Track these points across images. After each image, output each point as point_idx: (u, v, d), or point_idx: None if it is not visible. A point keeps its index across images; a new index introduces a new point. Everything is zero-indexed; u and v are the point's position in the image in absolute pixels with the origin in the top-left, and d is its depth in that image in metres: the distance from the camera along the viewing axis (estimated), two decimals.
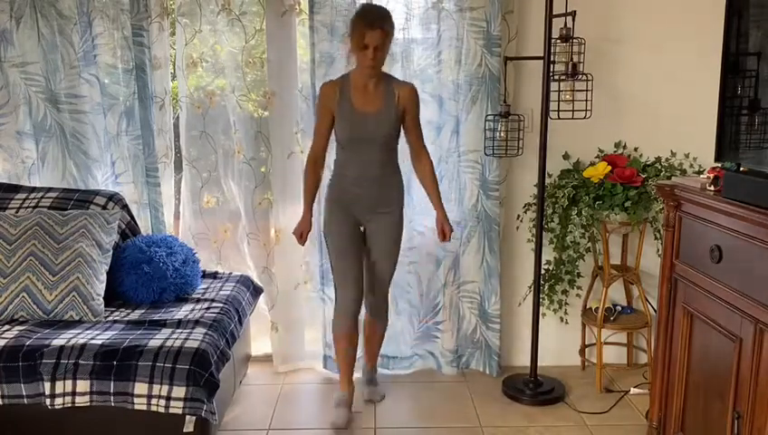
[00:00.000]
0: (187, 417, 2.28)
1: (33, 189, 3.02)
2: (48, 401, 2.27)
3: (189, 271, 2.93)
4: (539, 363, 3.11)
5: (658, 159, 3.12)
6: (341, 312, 2.79)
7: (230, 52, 3.12)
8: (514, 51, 3.06)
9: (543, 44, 2.83)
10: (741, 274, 1.90)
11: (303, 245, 2.84)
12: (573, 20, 2.79)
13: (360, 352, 3.06)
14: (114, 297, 2.83)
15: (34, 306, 2.60)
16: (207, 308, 2.73)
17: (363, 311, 2.90)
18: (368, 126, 2.64)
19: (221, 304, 2.78)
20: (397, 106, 2.66)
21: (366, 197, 2.72)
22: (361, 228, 2.81)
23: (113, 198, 3.02)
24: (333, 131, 2.71)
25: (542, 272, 3.12)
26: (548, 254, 3.16)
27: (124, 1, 3.03)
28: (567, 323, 3.33)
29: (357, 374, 3.04)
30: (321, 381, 3.24)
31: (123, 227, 3.01)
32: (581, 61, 2.87)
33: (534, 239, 3.03)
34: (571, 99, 2.89)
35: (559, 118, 2.88)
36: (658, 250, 3.15)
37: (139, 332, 2.49)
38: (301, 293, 3.28)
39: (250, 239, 3.26)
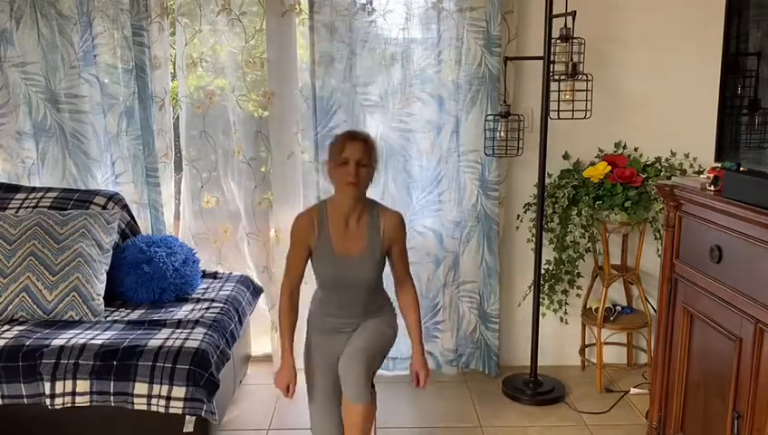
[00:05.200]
0: (187, 417, 2.28)
1: (33, 189, 3.02)
2: (48, 401, 2.27)
3: (189, 271, 2.93)
4: (539, 363, 3.11)
5: (658, 159, 3.12)
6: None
7: (230, 52, 3.12)
8: (514, 51, 3.06)
9: (543, 44, 2.83)
10: (741, 274, 1.90)
11: (292, 398, 2.28)
12: (573, 20, 2.79)
13: None
14: (114, 297, 2.83)
15: (34, 306, 2.60)
16: (207, 308, 2.73)
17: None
18: (350, 271, 2.26)
19: (221, 304, 2.78)
20: (382, 242, 2.27)
21: (351, 326, 2.34)
22: None
23: (113, 198, 3.02)
24: (312, 266, 2.35)
25: (542, 272, 3.12)
26: (548, 254, 3.16)
27: (124, 1, 3.03)
28: (567, 323, 3.33)
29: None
30: None
31: (123, 227, 3.01)
32: (581, 61, 2.86)
33: (534, 239, 3.03)
34: (570, 99, 2.89)
35: (559, 118, 2.88)
36: (658, 250, 3.15)
37: (138, 332, 2.48)
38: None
39: (250, 239, 3.26)
